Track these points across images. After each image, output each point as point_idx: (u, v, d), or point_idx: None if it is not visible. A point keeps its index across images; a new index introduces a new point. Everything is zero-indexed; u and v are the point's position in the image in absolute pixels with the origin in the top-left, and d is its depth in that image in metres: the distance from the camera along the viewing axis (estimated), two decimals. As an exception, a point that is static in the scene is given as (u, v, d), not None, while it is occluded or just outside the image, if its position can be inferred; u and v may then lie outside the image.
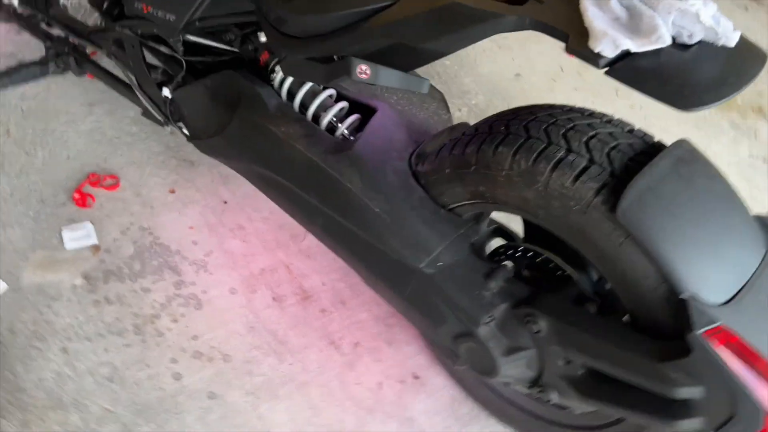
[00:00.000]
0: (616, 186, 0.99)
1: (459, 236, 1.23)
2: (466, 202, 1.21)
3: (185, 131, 1.61)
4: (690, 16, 0.87)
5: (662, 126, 2.39)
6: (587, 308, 1.17)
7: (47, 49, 1.84)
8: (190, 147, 1.90)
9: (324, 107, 1.39)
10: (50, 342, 1.49)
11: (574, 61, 2.90)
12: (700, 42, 0.89)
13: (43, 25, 1.89)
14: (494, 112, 2.35)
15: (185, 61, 1.49)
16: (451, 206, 1.23)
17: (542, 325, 1.13)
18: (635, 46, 0.85)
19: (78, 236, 1.68)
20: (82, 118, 2.00)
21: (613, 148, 1.04)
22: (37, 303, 1.55)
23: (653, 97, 0.85)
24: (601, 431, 1.27)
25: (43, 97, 2.02)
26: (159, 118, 1.65)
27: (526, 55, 2.57)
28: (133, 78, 1.62)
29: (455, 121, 1.53)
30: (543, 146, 1.05)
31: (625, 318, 1.16)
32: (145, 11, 1.44)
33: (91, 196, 1.78)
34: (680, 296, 0.96)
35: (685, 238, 0.97)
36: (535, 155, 1.05)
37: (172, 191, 1.84)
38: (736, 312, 0.95)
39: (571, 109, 1.14)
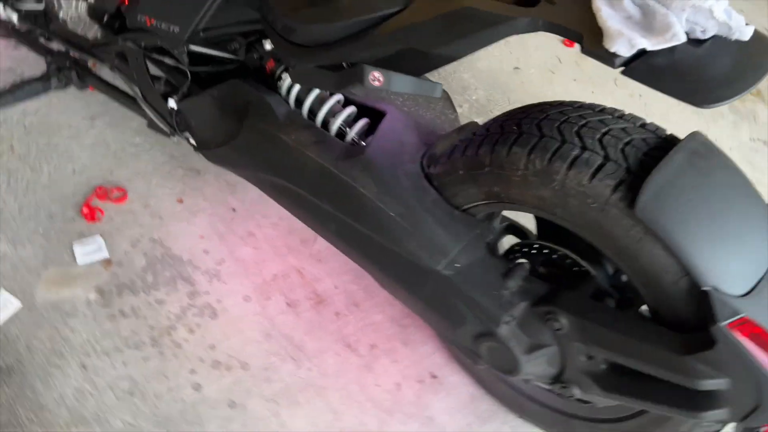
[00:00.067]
0: (633, 182, 0.99)
1: (475, 236, 1.24)
2: (481, 203, 1.21)
3: (192, 141, 1.61)
4: (703, 12, 0.87)
5: (662, 113, 2.39)
6: (606, 303, 1.18)
7: (48, 64, 1.83)
8: (196, 156, 1.90)
9: (333, 113, 1.39)
10: (68, 358, 1.49)
11: (572, 53, 2.89)
12: (713, 37, 0.89)
13: (42, 40, 1.88)
14: (495, 107, 2.38)
15: (190, 71, 1.49)
16: (465, 207, 1.24)
17: (563, 322, 1.13)
18: (650, 45, 0.85)
19: (89, 251, 1.68)
20: (85, 131, 1.99)
21: (627, 143, 1.05)
22: (53, 320, 1.55)
23: (671, 96, 0.86)
24: (623, 423, 1.28)
25: (44, 112, 2.02)
26: (165, 129, 1.65)
27: (524, 48, 2.57)
28: (138, 90, 1.62)
29: (459, 119, 1.54)
30: (557, 145, 1.06)
31: (643, 309, 1.17)
32: (149, 24, 1.43)
33: (99, 209, 1.78)
34: (702, 289, 0.96)
35: (704, 231, 0.97)
36: (550, 154, 1.05)
37: (180, 201, 1.84)
38: (757, 303, 0.96)
39: (581, 106, 1.15)
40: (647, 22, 0.88)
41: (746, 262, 0.98)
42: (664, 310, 1.05)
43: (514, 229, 1.42)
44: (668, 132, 1.10)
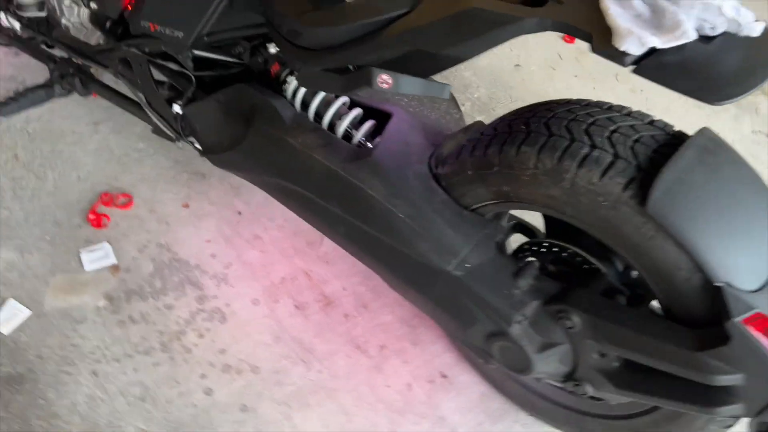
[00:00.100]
0: (643, 179, 0.99)
1: (484, 236, 1.24)
2: (490, 202, 1.21)
3: (197, 146, 1.61)
4: (712, 9, 0.87)
5: (664, 106, 2.40)
6: (617, 300, 1.18)
7: (51, 71, 1.83)
8: (200, 160, 1.90)
9: (339, 115, 1.39)
10: (79, 366, 1.49)
11: (572, 48, 2.90)
12: (723, 34, 0.89)
13: (44, 47, 1.88)
14: (497, 105, 2.38)
15: (194, 76, 1.48)
16: (474, 207, 1.24)
17: (575, 320, 1.14)
18: (661, 43, 0.85)
19: (96, 257, 1.68)
20: (89, 137, 1.99)
21: (636, 141, 1.05)
22: (63, 327, 1.55)
23: (683, 93, 0.86)
24: (636, 419, 1.28)
25: (47, 118, 2.02)
26: (170, 134, 1.65)
27: (525, 46, 2.57)
28: (142, 96, 1.62)
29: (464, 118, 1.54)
30: (567, 143, 1.06)
31: (653, 304, 1.18)
32: (153, 30, 1.43)
33: (105, 215, 1.78)
34: (715, 284, 0.97)
35: (715, 227, 0.98)
36: (559, 153, 1.05)
37: (186, 205, 1.84)
38: (770, 298, 0.96)
39: (588, 104, 1.15)
40: (656, 20, 0.88)
41: (758, 257, 0.98)
42: (676, 306, 1.05)
43: (522, 227, 1.42)
44: (676, 128, 1.10)
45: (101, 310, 1.60)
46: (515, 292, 1.19)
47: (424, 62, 1.12)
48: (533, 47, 2.58)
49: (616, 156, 1.03)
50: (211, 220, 1.82)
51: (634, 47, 0.86)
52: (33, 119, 2.00)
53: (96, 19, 1.62)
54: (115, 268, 1.68)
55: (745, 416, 1.03)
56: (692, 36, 0.86)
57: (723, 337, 0.96)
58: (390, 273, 1.33)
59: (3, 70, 2.14)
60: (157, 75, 1.62)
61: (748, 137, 2.43)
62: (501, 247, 1.30)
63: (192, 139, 1.61)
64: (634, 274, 1.23)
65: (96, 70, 1.86)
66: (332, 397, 1.51)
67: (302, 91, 1.41)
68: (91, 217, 1.76)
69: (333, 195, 1.33)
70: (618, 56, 0.87)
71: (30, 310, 1.57)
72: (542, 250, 1.29)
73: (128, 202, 1.82)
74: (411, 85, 1.08)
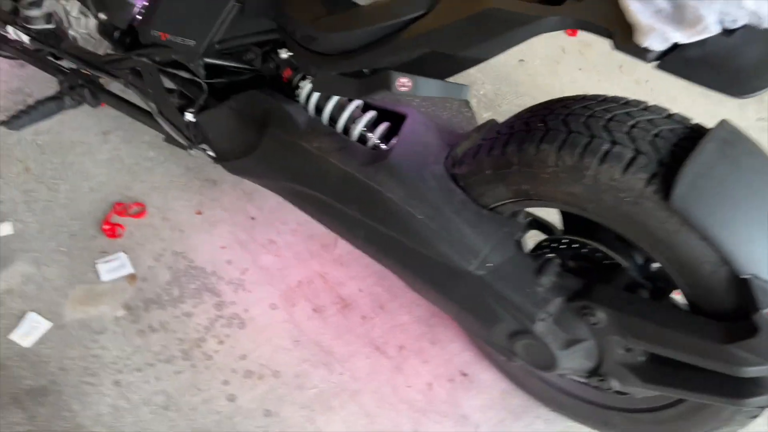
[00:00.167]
0: (666, 174, 0.99)
1: (504, 235, 1.24)
2: (509, 201, 1.21)
3: (211, 153, 1.61)
4: (733, 2, 0.87)
5: (670, 96, 2.41)
6: (640, 294, 1.19)
7: (61, 82, 1.83)
8: (211, 166, 1.90)
9: (353, 119, 1.39)
10: (102, 376, 1.50)
11: (575, 42, 2.89)
12: (744, 26, 0.89)
13: (52, 59, 1.88)
14: (503, 101, 2.39)
15: (206, 83, 1.48)
16: (493, 206, 1.24)
17: (600, 316, 1.14)
18: (684, 38, 0.85)
19: (113, 267, 1.69)
20: (99, 147, 1.99)
21: (656, 135, 1.05)
22: (83, 338, 1.56)
23: (708, 87, 0.86)
24: (661, 412, 1.28)
25: (57, 130, 2.02)
26: (182, 142, 1.65)
27: (528, 41, 2.57)
28: (153, 105, 1.62)
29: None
30: (587, 140, 1.06)
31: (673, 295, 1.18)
32: (163, 39, 1.43)
33: (120, 225, 1.78)
34: (741, 277, 0.97)
35: (740, 219, 0.98)
36: (580, 150, 1.05)
37: (199, 212, 1.84)
38: (797, 288, 0.96)
39: (605, 99, 1.15)
40: (677, 14, 0.88)
41: (783, 247, 0.99)
42: (702, 299, 1.05)
43: (538, 224, 1.42)
44: (693, 121, 1.11)
45: (120, 319, 1.60)
46: (538, 289, 1.19)
47: (440, 64, 1.12)
48: (536, 42, 2.54)
49: (637, 151, 1.03)
50: (225, 226, 1.82)
51: (657, 43, 0.86)
52: (42, 131, 2.00)
53: (104, 29, 1.61)
54: (132, 278, 1.68)
55: (774, 407, 1.04)
56: (714, 30, 0.86)
57: (751, 329, 0.97)
58: (411, 275, 1.34)
59: (10, 83, 2.14)
60: (167, 83, 1.63)
61: (754, 125, 2.43)
62: (519, 245, 1.30)
63: (205, 146, 1.61)
64: (654, 267, 1.24)
65: (105, 81, 1.86)
66: (354, 399, 1.52)
67: (315, 95, 1.41)
68: (106, 227, 1.77)
69: (351, 198, 1.33)
70: (641, 52, 0.87)
71: (50, 322, 1.58)
72: (561, 246, 1.30)
73: (141, 211, 1.83)
74: (430, 87, 1.08)
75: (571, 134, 1.08)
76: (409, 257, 1.30)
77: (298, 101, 1.43)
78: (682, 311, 1.11)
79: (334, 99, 1.40)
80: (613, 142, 1.04)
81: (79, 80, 1.82)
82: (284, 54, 1.42)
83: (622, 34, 0.89)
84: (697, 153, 0.99)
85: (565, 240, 1.29)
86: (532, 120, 1.16)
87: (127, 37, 1.58)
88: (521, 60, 2.53)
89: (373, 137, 1.37)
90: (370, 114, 1.40)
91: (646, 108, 1.12)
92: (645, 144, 1.03)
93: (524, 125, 1.16)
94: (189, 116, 1.55)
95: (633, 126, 1.06)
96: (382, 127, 1.38)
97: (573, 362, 1.22)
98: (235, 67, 1.49)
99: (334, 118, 1.41)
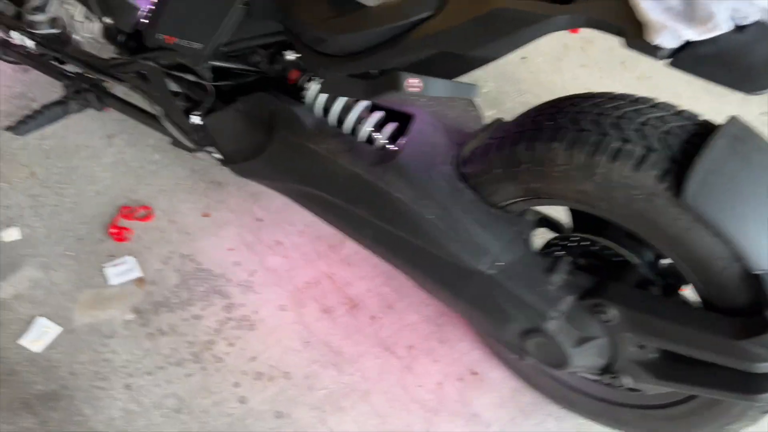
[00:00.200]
0: (677, 171, 1.00)
1: (514, 233, 1.24)
2: (519, 200, 1.22)
3: (218, 156, 1.61)
4: (744, -1, 0.87)
5: (673, 92, 2.41)
6: (651, 291, 1.19)
7: (66, 87, 1.83)
8: (216, 169, 1.91)
9: (360, 119, 1.39)
10: (112, 380, 1.50)
11: (577, 39, 2.89)
12: (755, 23, 0.89)
13: (56, 63, 1.88)
14: (506, 98, 2.39)
15: (213, 86, 1.48)
16: (502, 204, 1.24)
17: (613, 314, 1.14)
18: (696, 35, 0.85)
19: (121, 271, 1.69)
20: (104, 151, 1.99)
21: (666, 132, 1.05)
22: (93, 343, 1.56)
23: (722, 84, 0.86)
24: (672, 408, 1.29)
25: (61, 134, 2.02)
26: (189, 145, 1.65)
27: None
28: (160, 108, 1.62)
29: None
30: (597, 138, 1.06)
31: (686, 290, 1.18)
32: (169, 42, 1.43)
33: (127, 229, 1.78)
34: (754, 273, 0.97)
35: (753, 216, 0.98)
36: (590, 148, 1.06)
37: (206, 215, 1.84)
38: (809, 284, 0.97)
39: (613, 97, 1.15)
40: (689, 11, 0.88)
41: (795, 243, 0.99)
42: (714, 296, 1.05)
43: (546, 222, 1.43)
44: (703, 117, 1.11)
45: (130, 323, 1.60)
46: (549, 288, 1.19)
47: (449, 64, 1.12)
48: (538, 39, 2.58)
49: (648, 148, 1.03)
50: (232, 228, 1.82)
51: (668, 41, 0.86)
52: (47, 136, 2.00)
53: (109, 33, 1.61)
54: (140, 281, 1.68)
55: (789, 402, 1.04)
56: (726, 27, 0.86)
57: (764, 325, 0.97)
58: (421, 275, 1.34)
59: (13, 88, 2.14)
60: (171, 86, 1.63)
61: (756, 119, 2.43)
62: (528, 243, 1.31)
63: (211, 149, 1.61)
64: (664, 263, 1.24)
65: (109, 84, 1.86)
66: (365, 400, 1.52)
67: (322, 96, 1.41)
68: (113, 231, 1.77)
69: (360, 199, 1.33)
70: (652, 50, 0.87)
71: (59, 327, 1.58)
72: (570, 244, 1.30)
73: (148, 214, 1.83)
74: (440, 87, 1.08)
75: (581, 132, 1.08)
76: (419, 257, 1.30)
77: (304, 103, 1.43)
78: (694, 308, 1.11)
79: (341, 100, 1.40)
80: (624, 140, 1.05)
81: (84, 84, 1.81)
82: (290, 56, 1.42)
83: (633, 32, 0.89)
84: (708, 149, 0.99)
85: (574, 238, 1.29)
86: (541, 118, 1.16)
87: (131, 40, 1.58)
88: (523, 57, 2.53)
89: (381, 138, 1.37)
90: (377, 115, 1.40)
91: (655, 105, 1.12)
92: (655, 141, 1.03)
93: (533, 124, 1.16)
94: (195, 119, 1.55)
95: (643, 123, 1.06)
96: (390, 128, 1.38)
97: (585, 360, 1.22)
98: (240, 69, 1.50)
99: (341, 119, 1.41)
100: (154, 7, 1.42)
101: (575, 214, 1.36)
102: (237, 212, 1.86)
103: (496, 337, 1.32)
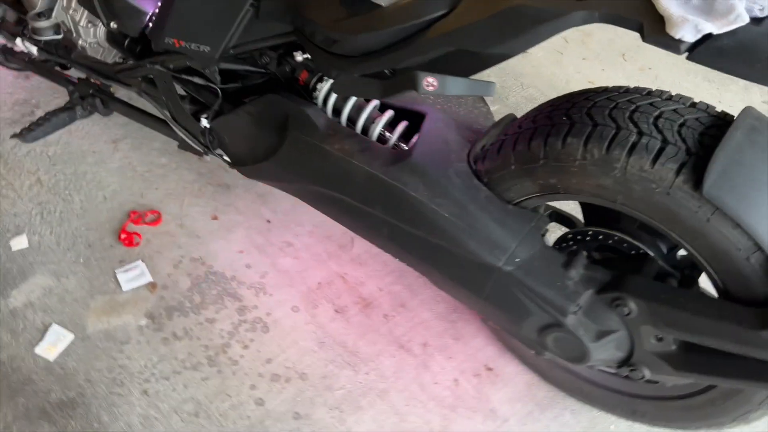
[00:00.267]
0: (695, 163, 1.00)
1: (531, 229, 1.24)
2: (534, 195, 1.22)
3: (227, 159, 1.61)
4: (761, -10, 0.87)
5: (674, 81, 2.42)
6: (670, 283, 1.19)
7: (71, 93, 1.82)
8: (223, 171, 1.91)
9: (372, 119, 1.39)
10: (129, 386, 1.50)
11: (577, 32, 2.89)
12: (773, 15, 0.89)
13: (60, 69, 1.87)
14: (509, 93, 2.39)
15: (221, 89, 1.48)
16: (518, 200, 1.25)
17: (632, 307, 1.15)
18: (716, 28, 0.86)
19: (133, 276, 1.68)
20: (110, 156, 1.99)
21: (682, 125, 1.05)
22: (108, 349, 1.56)
23: (741, 77, 0.86)
24: (691, 399, 1.29)
25: (66, 140, 2.01)
26: (198, 148, 1.65)
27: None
28: (167, 112, 1.61)
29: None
30: (614, 132, 1.06)
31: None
32: (177, 45, 1.42)
33: (136, 234, 1.78)
34: (775, 263, 0.98)
35: (771, 206, 0.99)
36: (608, 142, 1.06)
37: (215, 218, 1.84)
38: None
39: (627, 90, 1.15)
40: (707, 5, 0.88)
41: (814, 232, 0.99)
42: (734, 286, 1.06)
43: (560, 217, 1.43)
44: (718, 109, 1.11)
45: (144, 328, 1.60)
46: (567, 282, 1.20)
47: (464, 62, 1.12)
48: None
49: (665, 141, 1.03)
50: (241, 230, 1.82)
51: (689, 34, 0.86)
52: (52, 142, 1.99)
53: (113, 38, 1.61)
54: (152, 286, 1.68)
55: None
56: (746, 19, 0.86)
57: (786, 314, 0.98)
58: (438, 273, 1.34)
59: (16, 94, 2.14)
60: (178, 89, 1.62)
61: (759, 108, 2.43)
62: (544, 239, 1.31)
63: (220, 151, 1.61)
64: (680, 255, 1.24)
65: (114, 89, 1.86)
66: (383, 398, 1.52)
67: (333, 97, 1.41)
68: (123, 236, 1.76)
69: (375, 199, 1.33)
70: (673, 44, 0.87)
71: (73, 334, 1.57)
72: (586, 238, 1.30)
73: (157, 218, 1.82)
74: (457, 85, 1.08)
75: (597, 126, 1.09)
76: (436, 255, 1.30)
77: (315, 104, 1.43)
78: (713, 298, 1.12)
79: (352, 100, 1.40)
80: (641, 133, 1.05)
81: (90, 90, 1.81)
82: (300, 57, 1.42)
83: (653, 27, 0.89)
84: (726, 141, 1.00)
85: (589, 232, 1.30)
86: (554, 113, 1.16)
87: (137, 45, 1.58)
88: (525, 52, 2.53)
89: (394, 137, 1.37)
90: (389, 114, 1.40)
91: (670, 98, 1.12)
92: (672, 134, 1.04)
93: (547, 119, 1.17)
94: (204, 122, 1.55)
95: (658, 116, 1.07)
96: (402, 126, 1.38)
97: (605, 353, 1.22)
98: (249, 71, 1.49)
99: (352, 119, 1.41)
100: (160, 11, 1.42)
101: (586, 208, 1.37)
102: (245, 214, 1.85)
103: (515, 333, 1.32)
